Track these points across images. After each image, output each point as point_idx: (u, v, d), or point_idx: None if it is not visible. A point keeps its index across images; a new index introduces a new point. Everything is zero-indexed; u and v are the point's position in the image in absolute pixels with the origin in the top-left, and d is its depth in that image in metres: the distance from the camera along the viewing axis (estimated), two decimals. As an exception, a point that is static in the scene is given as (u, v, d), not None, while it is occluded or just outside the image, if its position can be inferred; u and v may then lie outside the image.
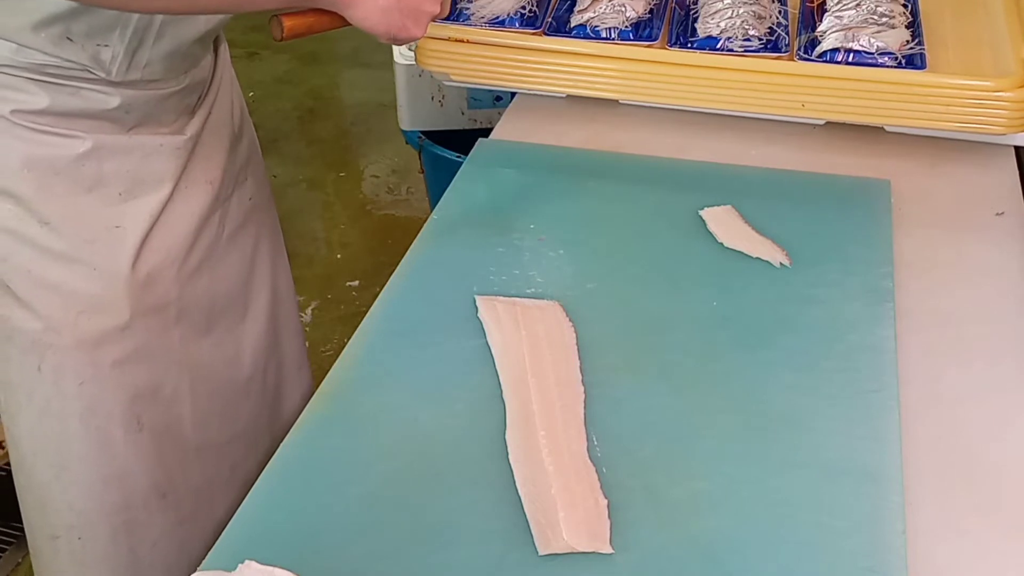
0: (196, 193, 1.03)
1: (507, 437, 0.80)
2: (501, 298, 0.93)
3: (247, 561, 0.62)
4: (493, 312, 0.91)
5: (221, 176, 1.06)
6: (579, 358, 0.87)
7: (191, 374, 1.06)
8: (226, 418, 1.12)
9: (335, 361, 0.89)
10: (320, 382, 0.87)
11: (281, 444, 0.82)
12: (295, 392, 1.23)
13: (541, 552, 0.72)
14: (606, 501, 0.75)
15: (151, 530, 1.05)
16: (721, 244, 1.00)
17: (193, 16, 0.94)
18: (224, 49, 1.11)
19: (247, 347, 1.14)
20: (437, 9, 0.93)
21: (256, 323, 1.16)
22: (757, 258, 0.98)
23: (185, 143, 1.00)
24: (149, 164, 0.98)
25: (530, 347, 0.87)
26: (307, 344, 1.30)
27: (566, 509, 0.73)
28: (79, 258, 0.95)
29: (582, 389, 0.84)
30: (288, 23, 0.90)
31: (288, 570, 0.60)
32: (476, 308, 0.92)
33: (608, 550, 0.71)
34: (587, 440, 0.80)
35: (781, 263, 0.97)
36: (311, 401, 0.85)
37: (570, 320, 0.91)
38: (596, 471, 0.77)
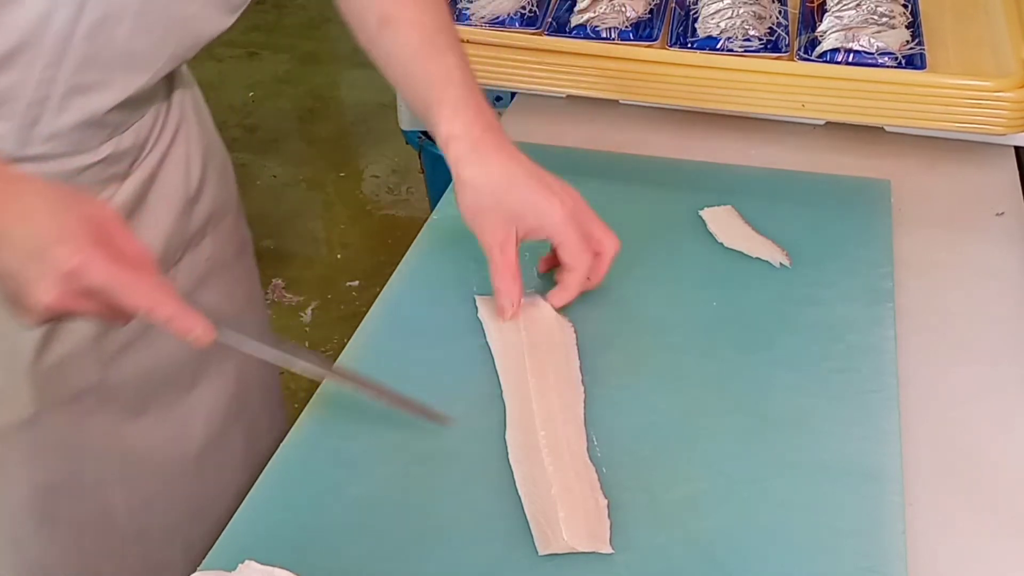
0: None
1: (507, 437, 0.80)
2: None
3: (247, 561, 0.62)
4: (493, 312, 0.91)
5: (163, 247, 0.93)
6: (579, 358, 0.87)
7: (120, 460, 0.95)
8: (173, 499, 1.01)
9: (335, 361, 0.89)
10: (319, 383, 0.87)
11: (281, 444, 0.82)
12: (268, 450, 1.11)
13: (541, 552, 0.72)
14: (606, 501, 0.75)
15: None
16: (721, 244, 1.00)
17: (106, 84, 0.81)
18: (184, 96, 0.97)
19: (198, 418, 1.02)
20: (42, 317, 0.70)
21: (212, 389, 1.04)
22: (757, 258, 0.98)
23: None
24: None
25: (530, 347, 0.87)
26: (281, 393, 1.20)
27: (566, 509, 0.73)
28: None
29: (582, 389, 0.84)
30: None
31: (288, 570, 0.60)
32: (476, 308, 0.93)
33: (608, 550, 0.71)
34: (587, 440, 0.80)
35: (781, 263, 0.97)
36: (311, 401, 0.85)
37: (570, 320, 0.91)
38: (596, 471, 0.77)
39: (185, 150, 0.96)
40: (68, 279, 0.67)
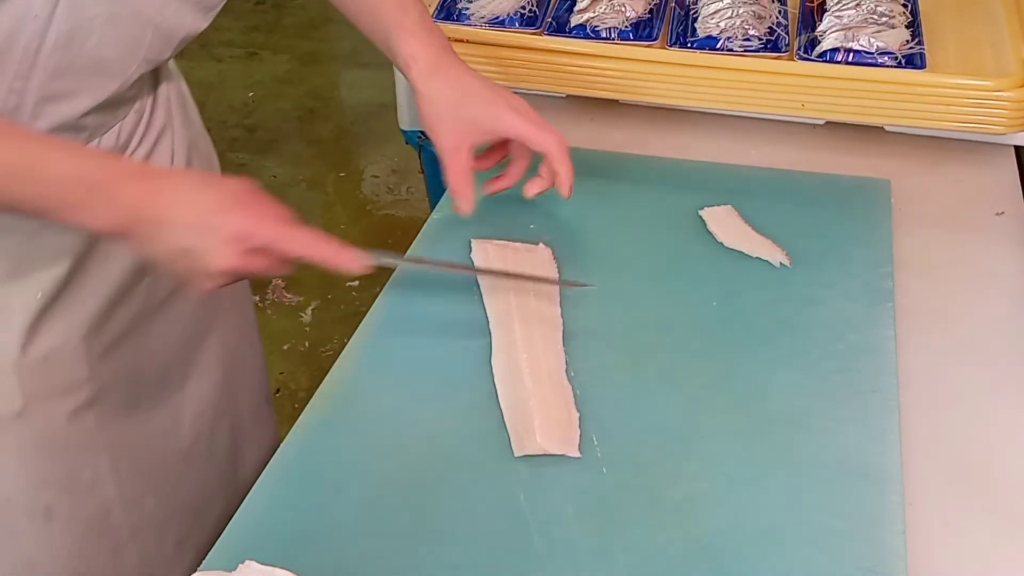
0: (110, 265, 0.91)
1: (492, 361, 0.87)
2: (495, 241, 0.99)
3: (247, 561, 0.62)
4: (484, 253, 0.97)
5: None
6: (560, 295, 0.94)
7: (113, 456, 0.96)
8: (163, 494, 1.03)
9: (335, 361, 0.89)
10: (320, 383, 0.87)
11: (281, 444, 0.82)
12: (252, 448, 1.15)
13: (516, 454, 0.79)
14: (578, 415, 0.82)
15: None
16: (721, 244, 1.00)
17: (79, 91, 0.82)
18: (170, 92, 0.98)
19: (188, 415, 1.04)
20: (220, 280, 0.78)
21: (201, 387, 1.06)
22: (757, 258, 0.98)
23: None
24: (38, 240, 0.85)
25: (516, 283, 0.94)
26: (269, 388, 1.22)
27: (541, 417, 0.80)
28: None
29: (561, 321, 0.91)
30: None
31: (288, 570, 0.60)
32: (476, 308, 0.93)
33: (576, 454, 0.79)
34: (564, 363, 0.87)
35: (781, 263, 0.97)
36: (311, 401, 0.85)
37: (556, 263, 0.97)
38: (572, 390, 0.84)
39: (170, 147, 0.98)
40: (241, 240, 0.76)
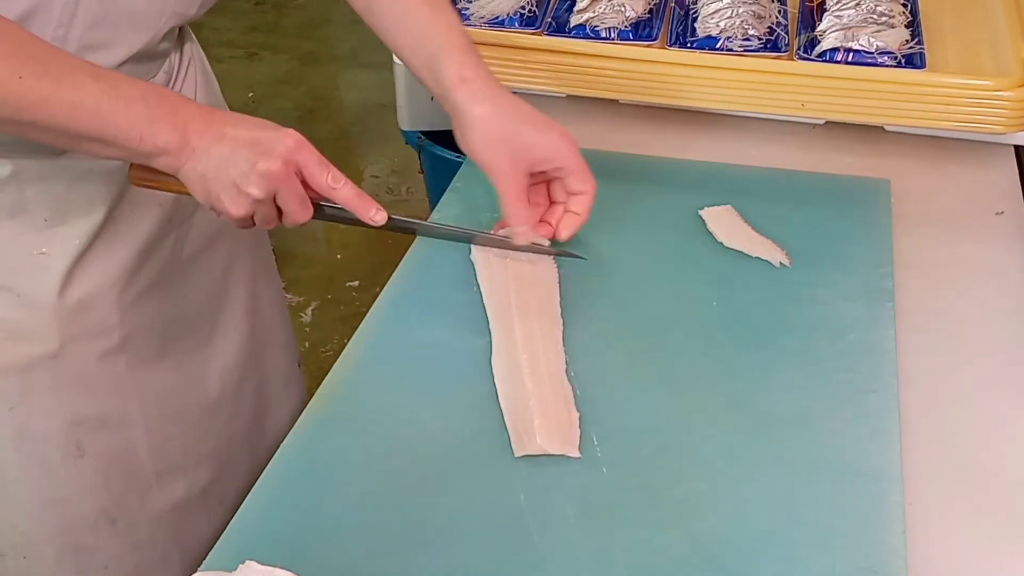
0: (141, 216, 0.97)
1: (492, 361, 0.87)
2: (494, 250, 0.98)
3: (247, 561, 0.62)
4: (484, 253, 0.98)
5: (174, 198, 0.99)
6: (559, 294, 0.94)
7: (142, 400, 1.02)
8: (190, 441, 1.08)
9: (335, 361, 0.89)
10: (320, 383, 0.87)
11: (281, 444, 0.82)
12: (282, 409, 1.20)
13: (517, 454, 0.78)
14: (578, 415, 0.82)
15: (99, 554, 1.03)
16: (721, 244, 1.00)
17: (114, 42, 0.87)
18: (192, 57, 1.04)
19: (214, 369, 1.10)
20: (258, 193, 0.82)
21: (228, 343, 1.11)
22: (757, 258, 0.98)
23: (121, 166, 0.91)
24: (78, 189, 0.92)
25: (515, 282, 0.93)
26: (299, 354, 1.28)
27: (541, 418, 0.80)
28: (2, 285, 0.91)
29: (561, 320, 0.91)
30: (136, 173, 0.86)
31: (288, 570, 0.60)
32: (477, 308, 0.93)
33: (576, 454, 0.79)
34: (564, 363, 0.87)
35: (781, 263, 0.97)
36: (311, 401, 0.85)
37: (555, 262, 0.96)
38: (572, 390, 0.84)
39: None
40: (291, 151, 0.82)
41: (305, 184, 0.85)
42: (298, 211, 0.85)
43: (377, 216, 0.88)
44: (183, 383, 1.07)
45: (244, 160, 0.81)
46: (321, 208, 0.87)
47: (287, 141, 0.83)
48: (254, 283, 1.15)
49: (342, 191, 0.86)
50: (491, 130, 0.92)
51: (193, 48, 1.05)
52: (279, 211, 0.85)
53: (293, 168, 0.83)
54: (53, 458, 0.98)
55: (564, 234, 0.96)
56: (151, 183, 0.87)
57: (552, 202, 0.98)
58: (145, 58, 0.92)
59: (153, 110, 0.79)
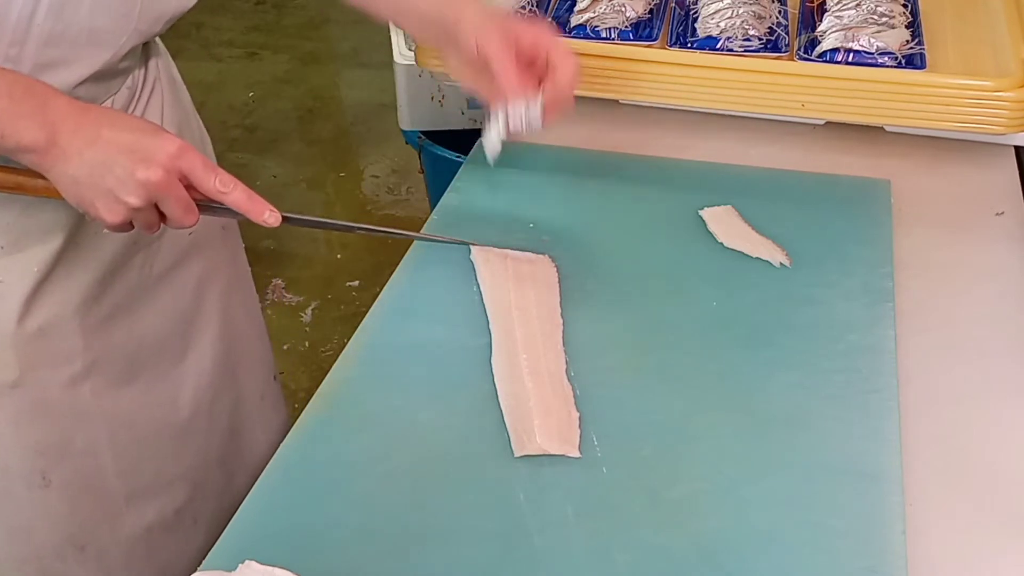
0: (105, 239, 0.95)
1: (492, 361, 0.87)
2: (494, 248, 0.98)
3: (247, 561, 0.62)
4: (484, 255, 0.97)
5: None
6: (560, 295, 0.93)
7: (109, 425, 0.99)
8: (161, 463, 1.06)
9: (335, 361, 0.89)
10: (320, 383, 0.87)
11: (281, 444, 0.82)
12: (256, 425, 1.17)
13: (516, 454, 0.78)
14: (578, 414, 0.81)
15: None
16: (721, 244, 1.00)
17: (72, 60, 0.84)
18: (158, 72, 1.01)
19: (187, 389, 1.07)
20: (137, 203, 0.78)
21: (201, 362, 1.09)
22: (757, 258, 0.98)
23: None
24: (33, 215, 0.89)
25: (515, 282, 0.94)
26: (276, 367, 1.24)
27: (541, 418, 0.80)
28: None
29: (560, 320, 0.91)
30: None
31: (288, 570, 0.60)
32: (477, 308, 0.93)
33: (576, 454, 0.78)
34: (564, 363, 0.87)
35: (781, 263, 0.97)
36: (311, 401, 0.85)
37: (555, 265, 0.96)
38: (572, 390, 0.84)
39: (157, 121, 0.98)
40: (172, 159, 0.78)
41: (189, 187, 0.81)
42: (183, 217, 0.81)
43: (270, 219, 0.83)
44: (153, 405, 1.04)
45: (121, 168, 0.77)
46: (208, 208, 0.84)
47: (167, 148, 0.79)
48: (229, 299, 1.12)
49: (232, 195, 0.82)
50: (482, 19, 0.93)
51: (160, 63, 1.02)
52: (161, 215, 0.82)
53: (176, 175, 0.79)
54: (16, 489, 0.95)
55: (549, 113, 0.95)
56: (9, 185, 0.83)
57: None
58: (106, 76, 0.89)
59: (18, 105, 0.76)
